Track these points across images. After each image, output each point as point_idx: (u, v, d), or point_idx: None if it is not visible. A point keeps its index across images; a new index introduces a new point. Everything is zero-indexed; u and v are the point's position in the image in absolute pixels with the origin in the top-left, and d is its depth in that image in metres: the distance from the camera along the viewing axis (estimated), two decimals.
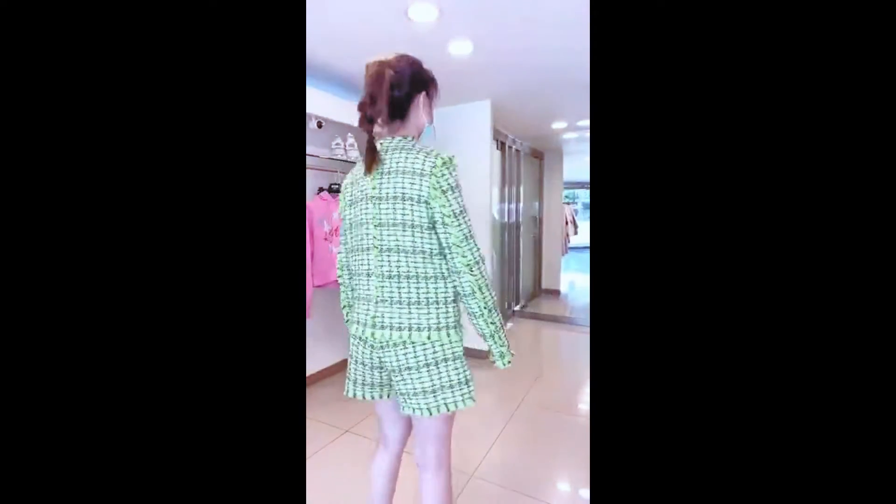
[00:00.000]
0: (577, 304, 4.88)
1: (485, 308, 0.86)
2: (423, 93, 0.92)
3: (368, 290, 0.90)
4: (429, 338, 0.86)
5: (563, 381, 2.62)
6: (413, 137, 0.91)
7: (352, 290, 0.99)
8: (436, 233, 0.84)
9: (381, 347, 0.88)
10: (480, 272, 0.85)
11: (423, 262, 0.84)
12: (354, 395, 0.98)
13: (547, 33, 1.83)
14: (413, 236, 0.83)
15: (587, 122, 3.61)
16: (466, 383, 0.89)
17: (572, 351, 3.31)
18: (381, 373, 0.93)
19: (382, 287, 0.87)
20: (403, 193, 0.82)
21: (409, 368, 0.87)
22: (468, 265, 0.84)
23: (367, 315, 0.90)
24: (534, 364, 2.91)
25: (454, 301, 0.89)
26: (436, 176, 0.81)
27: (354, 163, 2.42)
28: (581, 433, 1.95)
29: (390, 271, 0.86)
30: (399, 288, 0.86)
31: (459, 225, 0.83)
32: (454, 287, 0.87)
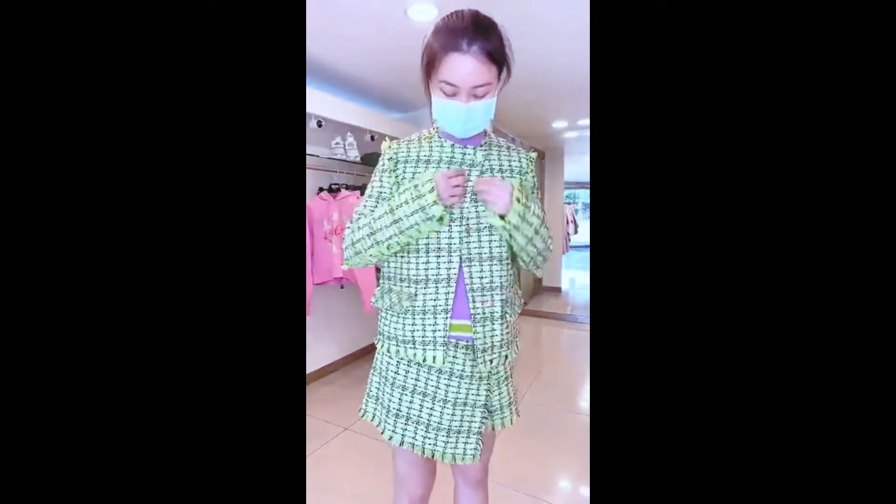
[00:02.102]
0: (577, 302, 4.88)
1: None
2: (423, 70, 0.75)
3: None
4: None
5: (564, 379, 2.62)
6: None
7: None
8: None
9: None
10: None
11: None
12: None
13: (547, 32, 1.83)
14: None
15: (587, 122, 3.61)
16: None
17: (573, 348, 3.31)
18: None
19: None
20: None
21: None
22: None
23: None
24: (534, 361, 2.92)
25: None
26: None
27: (355, 162, 2.43)
28: (581, 431, 1.96)
29: None
30: None
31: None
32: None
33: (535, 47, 1.98)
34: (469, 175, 0.78)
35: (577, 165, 6.07)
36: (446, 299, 0.76)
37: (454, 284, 0.76)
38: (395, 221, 0.73)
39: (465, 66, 0.69)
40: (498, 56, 0.71)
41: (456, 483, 0.96)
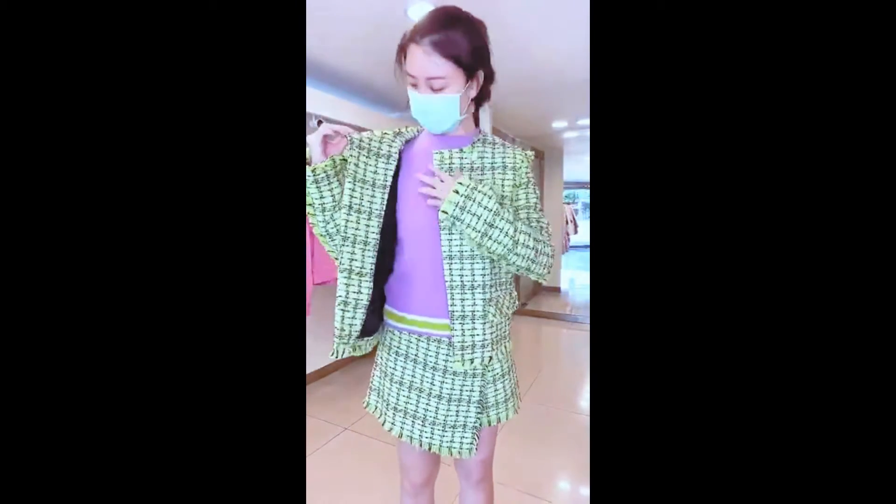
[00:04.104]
0: (577, 302, 4.89)
1: None
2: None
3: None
4: None
5: (564, 379, 2.62)
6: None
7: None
8: None
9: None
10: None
11: None
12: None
13: (546, 32, 1.83)
14: None
15: (587, 122, 3.61)
16: None
17: (572, 348, 3.31)
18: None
19: None
20: None
21: None
22: None
23: None
24: (534, 361, 2.92)
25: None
26: None
27: None
28: (581, 431, 1.96)
29: None
30: None
31: None
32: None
33: (535, 47, 1.98)
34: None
35: (577, 165, 6.08)
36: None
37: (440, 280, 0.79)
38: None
39: (416, 57, 0.71)
40: (452, 51, 0.70)
41: (460, 482, 0.97)
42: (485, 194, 0.73)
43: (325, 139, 0.76)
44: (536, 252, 0.75)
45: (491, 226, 0.71)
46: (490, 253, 0.74)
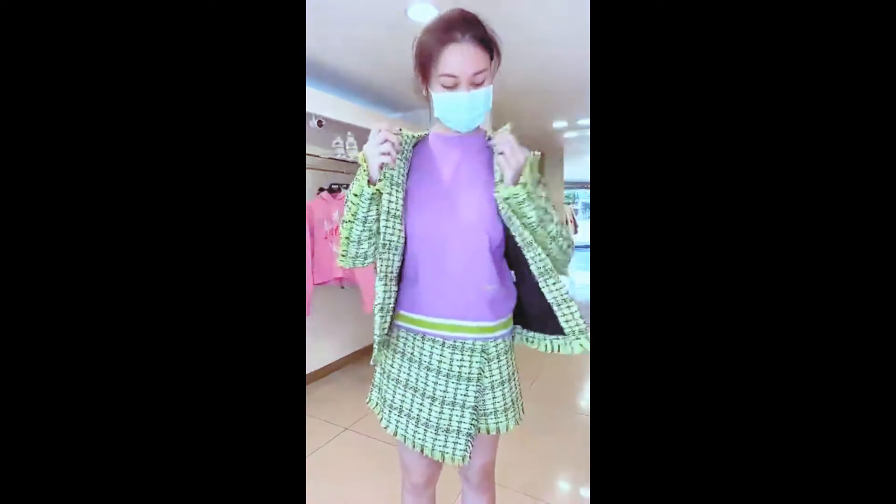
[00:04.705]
0: (577, 302, 4.88)
1: None
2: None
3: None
4: None
5: (564, 379, 2.62)
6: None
7: None
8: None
9: None
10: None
11: None
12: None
13: (546, 32, 1.83)
14: None
15: (587, 122, 3.61)
16: None
17: None
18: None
19: None
20: None
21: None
22: None
23: None
24: (534, 361, 2.92)
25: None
26: None
27: (355, 162, 2.43)
28: (581, 431, 1.96)
29: None
30: None
31: None
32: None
33: (535, 47, 1.98)
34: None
35: (577, 165, 6.08)
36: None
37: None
38: (348, 207, 0.78)
39: (462, 54, 0.71)
40: (488, 42, 0.74)
41: (462, 484, 0.97)
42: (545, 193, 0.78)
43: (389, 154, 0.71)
44: (570, 252, 0.81)
45: (547, 213, 0.76)
46: (547, 236, 0.77)
